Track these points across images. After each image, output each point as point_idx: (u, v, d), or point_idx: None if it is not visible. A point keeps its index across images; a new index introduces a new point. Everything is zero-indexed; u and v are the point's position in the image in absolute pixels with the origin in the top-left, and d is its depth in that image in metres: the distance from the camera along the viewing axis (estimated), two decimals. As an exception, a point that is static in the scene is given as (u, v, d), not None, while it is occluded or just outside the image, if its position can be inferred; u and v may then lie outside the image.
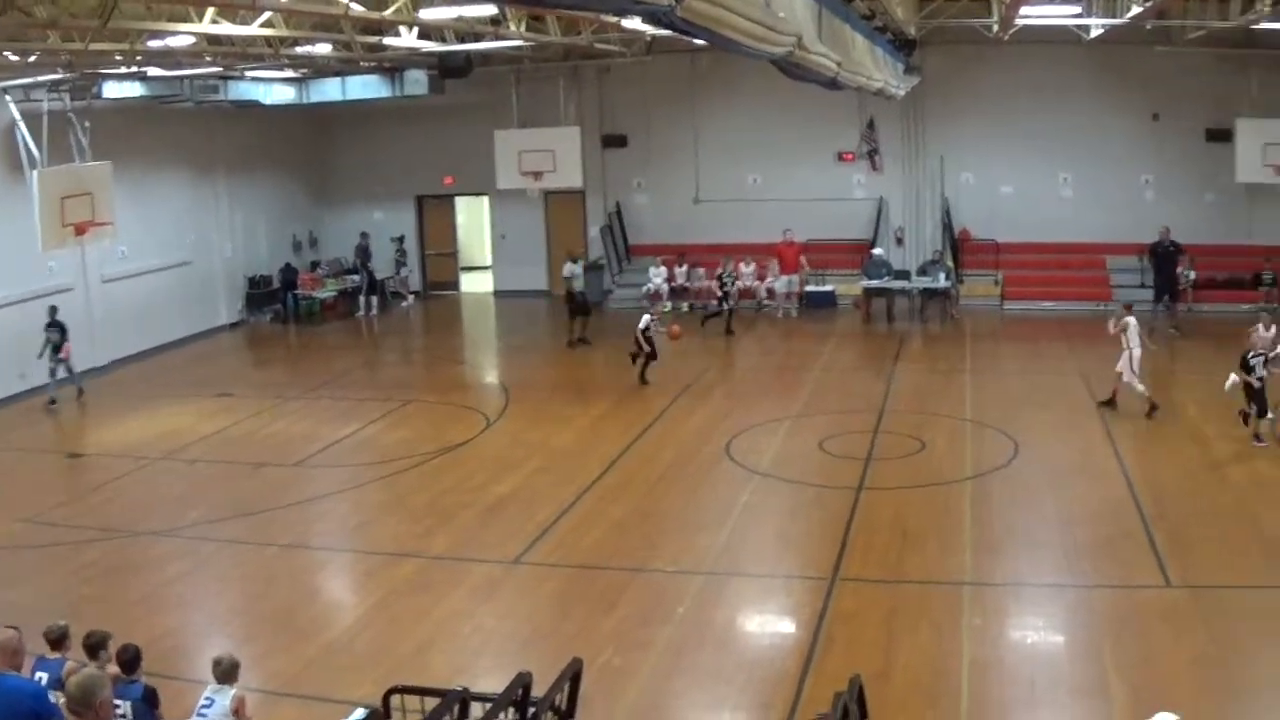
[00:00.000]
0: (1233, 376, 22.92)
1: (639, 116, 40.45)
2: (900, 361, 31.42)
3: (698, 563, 17.62)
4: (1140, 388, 24.96)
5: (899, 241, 39.38)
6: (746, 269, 37.78)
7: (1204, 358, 29.90)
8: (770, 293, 37.80)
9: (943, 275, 36.71)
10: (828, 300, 38.22)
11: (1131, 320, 25.16)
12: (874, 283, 36.73)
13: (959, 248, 38.52)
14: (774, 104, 36.51)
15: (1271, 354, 23.10)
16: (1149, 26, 29.53)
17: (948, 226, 38.61)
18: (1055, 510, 19.85)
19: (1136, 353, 24.81)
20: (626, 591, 16.49)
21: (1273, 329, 24.31)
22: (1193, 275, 36.76)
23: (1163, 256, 35.29)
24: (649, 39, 30.80)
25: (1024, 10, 25.71)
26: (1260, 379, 22.44)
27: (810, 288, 37.93)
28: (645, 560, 17.69)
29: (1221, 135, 36.98)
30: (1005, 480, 21.41)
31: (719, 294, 35.40)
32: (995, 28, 30.59)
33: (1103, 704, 13.35)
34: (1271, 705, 13.53)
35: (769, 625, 16.19)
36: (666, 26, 11.20)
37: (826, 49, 18.14)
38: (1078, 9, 27.22)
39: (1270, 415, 22.89)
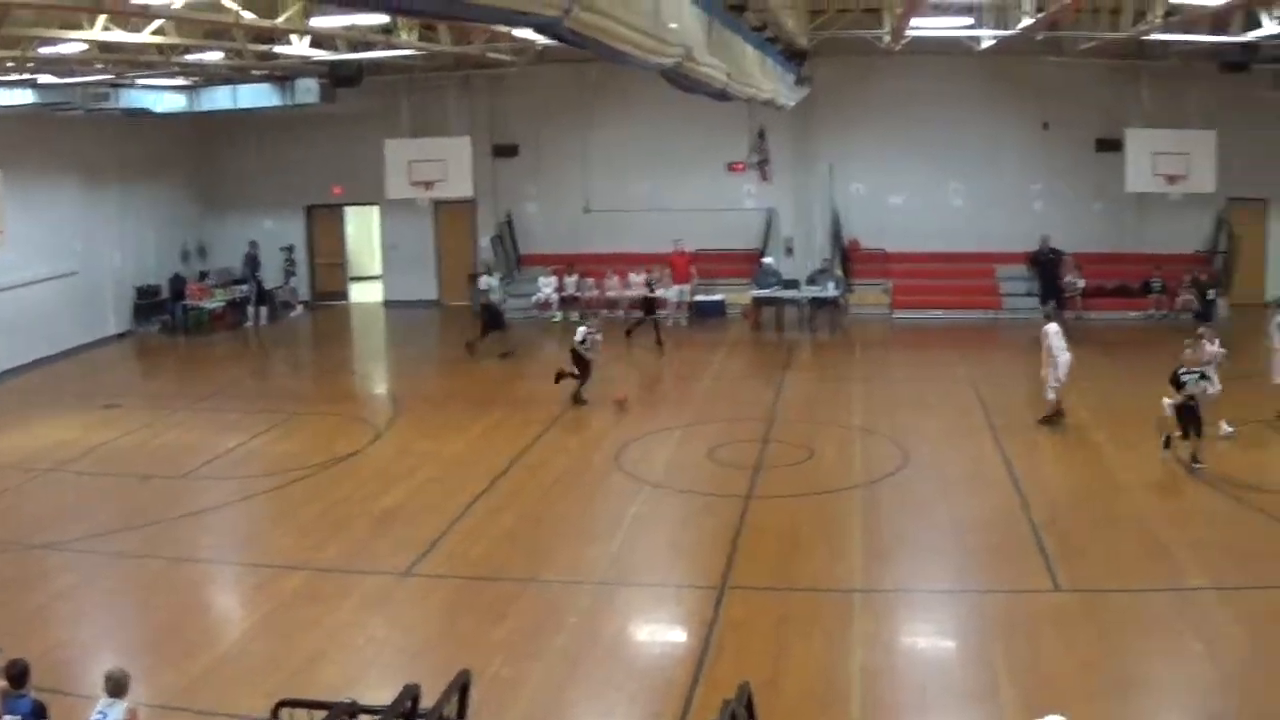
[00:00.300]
0: (1166, 400, 22.75)
1: (530, 126, 40.41)
2: (789, 370, 31.57)
3: (588, 572, 17.59)
4: (1051, 396, 25.12)
5: (788, 251, 39.54)
6: (637, 278, 37.82)
7: (1094, 365, 30.25)
8: (661, 302, 37.82)
9: (832, 284, 36.93)
10: (717, 309, 38.32)
11: (1052, 328, 25.28)
12: (764, 292, 36.88)
13: (848, 257, 38.79)
14: (665, 114, 36.50)
15: (1211, 366, 23.29)
16: (1040, 37, 29.85)
17: (837, 236, 38.84)
18: (945, 517, 20.04)
19: (1063, 359, 24.83)
20: (517, 602, 16.42)
21: (1215, 342, 24.23)
22: (1081, 283, 37.20)
23: (1044, 264, 35.73)
24: (540, 48, 30.81)
25: (915, 21, 25.92)
26: (1193, 396, 22.03)
27: (700, 297, 38.01)
28: (536, 570, 17.63)
29: (1111, 145, 37.51)
30: (895, 488, 21.55)
31: (647, 300, 35.08)
32: (886, 39, 30.82)
33: (993, 708, 13.48)
34: (1158, 705, 13.76)
35: (659, 634, 16.14)
36: (554, 37, 11.19)
37: (716, 60, 18.19)
38: (969, 20, 27.53)
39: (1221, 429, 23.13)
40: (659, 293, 35.54)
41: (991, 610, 16.28)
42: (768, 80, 25.61)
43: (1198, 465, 21.74)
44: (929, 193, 39.31)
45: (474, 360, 32.90)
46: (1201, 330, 25.18)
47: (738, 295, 38.29)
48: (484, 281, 35.23)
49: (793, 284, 37.66)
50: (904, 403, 27.88)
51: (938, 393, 28.77)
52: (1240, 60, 30.97)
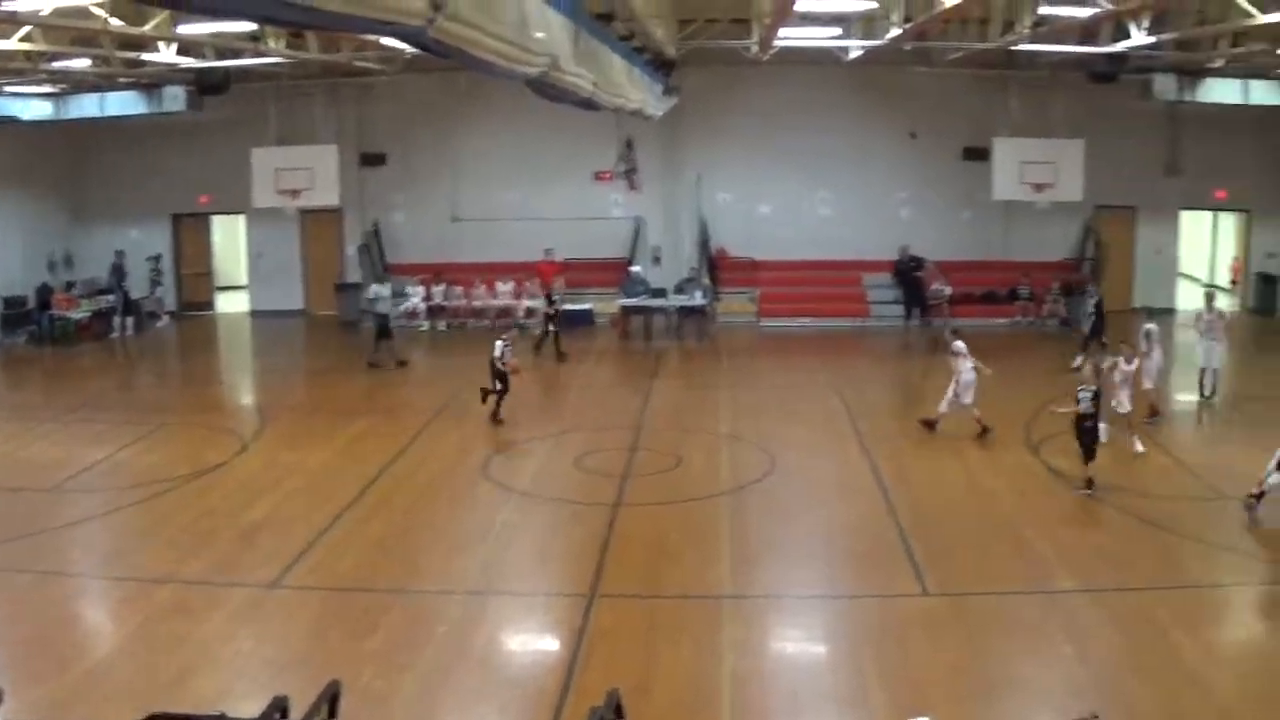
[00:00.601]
0: (1102, 426, 22.49)
1: (398, 134, 40.27)
2: (657, 379, 31.69)
3: (458, 582, 17.53)
4: (944, 408, 25.36)
5: (656, 260, 39.70)
6: (505, 287, 37.80)
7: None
8: (529, 311, 37.79)
9: (699, 293, 37.13)
10: (585, 319, 38.35)
11: (960, 344, 25.39)
12: (632, 301, 36.97)
13: (716, 266, 39.02)
14: (533, 123, 36.52)
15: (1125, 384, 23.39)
16: (908, 48, 30.23)
17: (705, 245, 39.07)
18: (813, 523, 20.25)
19: (966, 377, 24.97)
20: (387, 612, 16.34)
21: (1134, 362, 24.04)
22: (948, 291, 37.69)
23: (906, 274, 36.12)
24: (409, 57, 30.71)
25: (783, 31, 26.11)
26: (1090, 416, 21.43)
27: (568, 306, 38.05)
28: (406, 581, 17.57)
29: (979, 154, 38.24)
30: (762, 494, 21.72)
31: (549, 313, 34.74)
32: (755, 49, 30.98)
33: (864, 712, 13.67)
34: (1026, 706, 13.99)
35: (529, 643, 16.14)
36: (419, 47, 11.18)
37: (582, 69, 18.24)
38: (837, 30, 27.83)
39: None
40: (561, 305, 35.21)
41: (860, 615, 16.47)
42: (635, 90, 25.69)
43: (1088, 491, 21.30)
44: (797, 202, 39.71)
45: (381, 372, 32.48)
46: (1122, 347, 25.03)
47: (606, 304, 38.37)
48: (374, 290, 35.06)
49: (660, 293, 37.84)
50: (771, 410, 28.10)
51: (804, 400, 29.04)
52: (1108, 70, 31.56)
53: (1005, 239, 40.64)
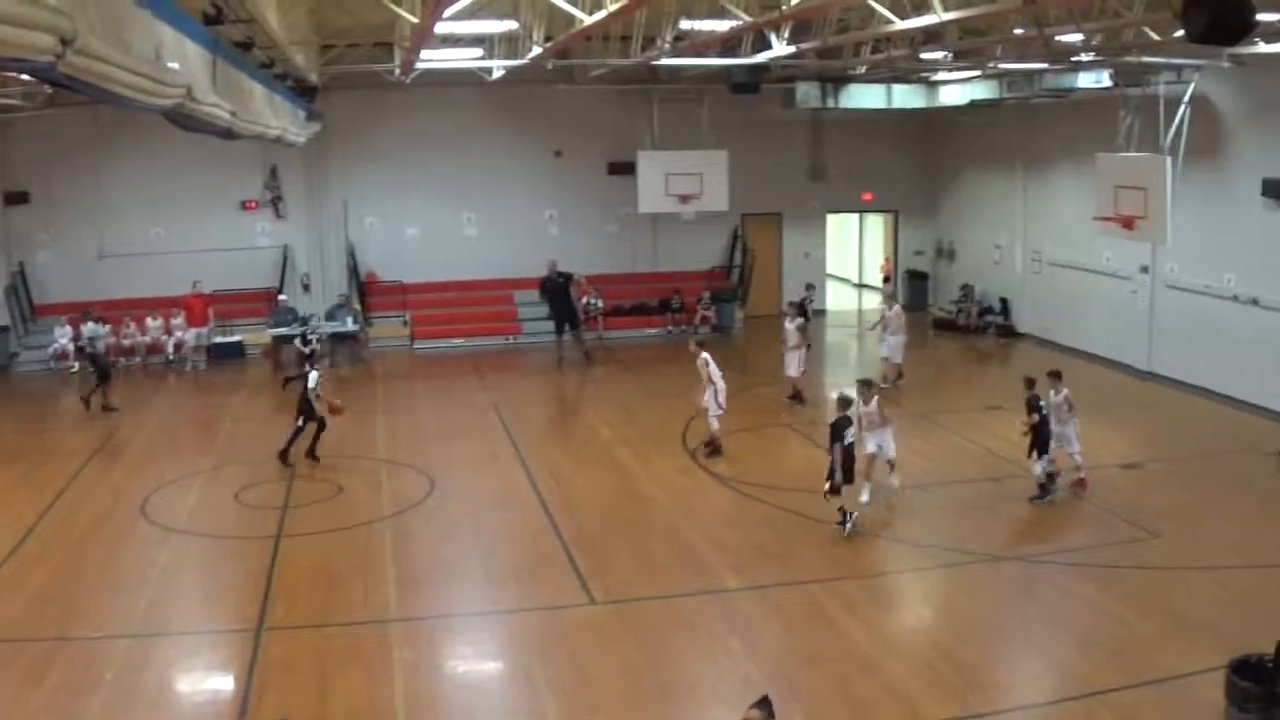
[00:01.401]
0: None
1: (42, 172, 38.75)
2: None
3: (123, 625, 17.15)
4: (715, 425, 25.26)
5: (305, 287, 39.33)
6: (154, 323, 36.98)
7: (617, 382, 31.29)
8: (179, 346, 37.00)
9: (350, 319, 36.92)
10: (236, 351, 37.67)
11: (706, 355, 25.32)
12: (282, 330, 36.51)
13: (366, 291, 38.85)
14: (177, 155, 35.60)
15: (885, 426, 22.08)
16: (551, 66, 30.45)
17: (354, 270, 38.87)
18: (476, 541, 20.49)
19: (720, 385, 24.99)
20: (54, 662, 15.88)
21: (873, 402, 21.98)
22: (600, 304, 38.17)
23: (554, 290, 36.41)
24: (51, 92, 29.87)
25: (425, 54, 26.17)
26: (848, 446, 19.89)
27: (218, 339, 37.37)
28: (70, 628, 17.09)
29: (624, 168, 38.75)
30: (425, 516, 21.88)
31: (305, 351, 33.50)
32: (397, 72, 30.95)
33: (538, 722, 13.89)
34: (700, 704, 14.44)
35: (200, 682, 15.85)
36: (51, 83, 11.00)
37: (220, 99, 18.05)
38: (479, 52, 27.91)
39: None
40: (312, 347, 33.92)
41: (529, 628, 16.78)
42: (276, 117, 25.43)
43: (845, 524, 20.06)
44: (444, 223, 39.77)
45: (113, 414, 30.63)
46: (873, 386, 23.15)
47: (256, 335, 37.81)
48: (89, 329, 34.06)
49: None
50: (429, 432, 28.24)
51: (461, 420, 29.20)
52: (750, 81, 32.22)
53: (654, 251, 41.48)
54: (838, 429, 19.86)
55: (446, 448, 26.51)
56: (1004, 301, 39.87)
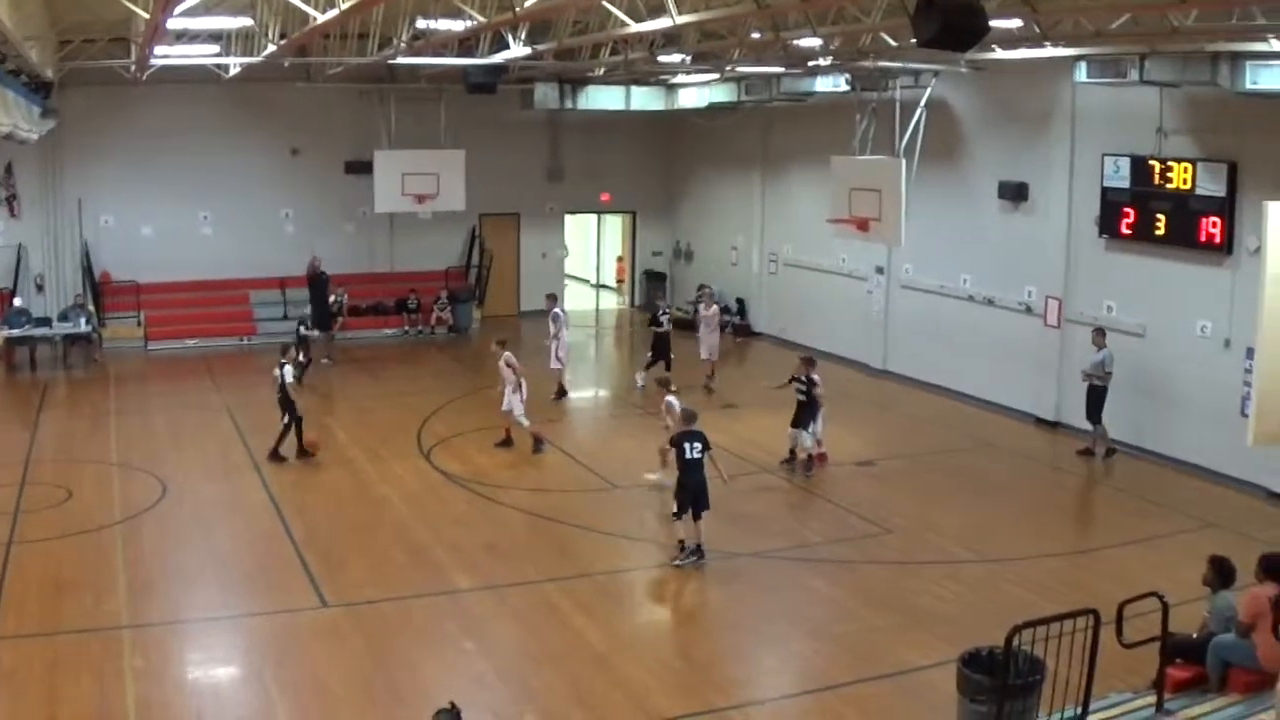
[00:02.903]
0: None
1: None
2: (44, 410, 30.60)
3: None
4: (525, 422, 25.60)
5: (39, 288, 38.45)
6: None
7: (351, 383, 31.26)
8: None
9: (84, 320, 36.19)
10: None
11: (508, 354, 25.44)
12: (15, 332, 35.64)
13: (100, 291, 38.12)
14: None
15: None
16: (288, 64, 30.24)
17: (88, 270, 38.11)
18: (208, 546, 20.35)
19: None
20: None
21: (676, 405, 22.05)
22: (344, 301, 37.94)
23: (317, 285, 36.09)
24: None
25: (160, 50, 25.80)
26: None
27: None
28: None
29: (361, 167, 38.64)
30: (156, 521, 21.59)
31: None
32: (133, 68, 30.43)
33: (269, 726, 13.96)
34: (433, 705, 14.29)
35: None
36: None
37: (-54, 97, 17.75)
38: (216, 49, 27.63)
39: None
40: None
41: (261, 632, 16.79)
42: (7, 114, 24.97)
43: (685, 560, 19.41)
44: (180, 222, 39.15)
45: None
46: (671, 393, 23.51)
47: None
48: None
49: (45, 321, 36.60)
50: (161, 435, 27.81)
51: (195, 422, 28.86)
52: (488, 81, 32.38)
53: (391, 250, 41.46)
54: (679, 443, 19.21)
55: (179, 451, 26.20)
56: (740, 302, 40.66)
